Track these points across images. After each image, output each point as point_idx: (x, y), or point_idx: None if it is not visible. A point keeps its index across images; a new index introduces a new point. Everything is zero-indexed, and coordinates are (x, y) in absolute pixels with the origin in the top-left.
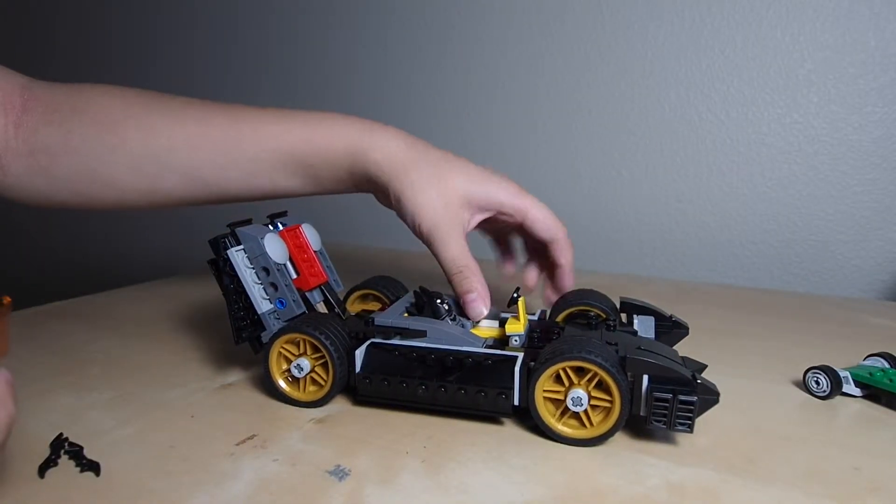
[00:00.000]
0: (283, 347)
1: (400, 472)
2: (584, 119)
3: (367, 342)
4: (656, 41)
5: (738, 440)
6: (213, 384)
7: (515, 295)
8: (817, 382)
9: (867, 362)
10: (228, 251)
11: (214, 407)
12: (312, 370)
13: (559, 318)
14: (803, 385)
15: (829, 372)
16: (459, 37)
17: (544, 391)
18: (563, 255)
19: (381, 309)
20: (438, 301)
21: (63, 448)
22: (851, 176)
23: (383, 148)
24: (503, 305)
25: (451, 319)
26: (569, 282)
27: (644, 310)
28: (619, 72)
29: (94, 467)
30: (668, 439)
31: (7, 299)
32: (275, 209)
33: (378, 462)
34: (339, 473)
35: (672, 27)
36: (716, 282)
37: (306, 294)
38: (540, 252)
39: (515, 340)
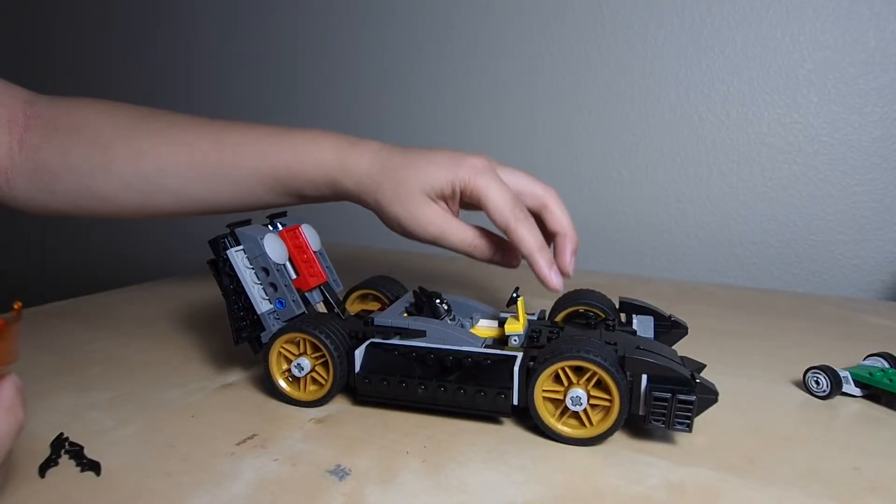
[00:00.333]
0: (283, 347)
1: (400, 471)
2: (584, 119)
3: (367, 342)
4: (656, 41)
5: (738, 440)
6: (213, 384)
7: (515, 294)
8: (817, 382)
9: (867, 362)
10: (228, 251)
11: (214, 407)
12: (313, 369)
13: (558, 317)
14: (803, 385)
15: (829, 372)
16: (459, 37)
17: (544, 391)
18: (552, 223)
19: (381, 309)
20: (438, 301)
21: (63, 448)
22: (851, 176)
23: (353, 172)
24: (502, 305)
25: (450, 319)
26: (562, 260)
27: (643, 309)
28: (619, 72)
29: (94, 467)
30: (667, 439)
31: (17, 304)
32: (274, 209)
33: (378, 462)
34: (340, 473)
35: (672, 27)
36: (716, 282)
37: (306, 294)
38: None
39: (515, 340)
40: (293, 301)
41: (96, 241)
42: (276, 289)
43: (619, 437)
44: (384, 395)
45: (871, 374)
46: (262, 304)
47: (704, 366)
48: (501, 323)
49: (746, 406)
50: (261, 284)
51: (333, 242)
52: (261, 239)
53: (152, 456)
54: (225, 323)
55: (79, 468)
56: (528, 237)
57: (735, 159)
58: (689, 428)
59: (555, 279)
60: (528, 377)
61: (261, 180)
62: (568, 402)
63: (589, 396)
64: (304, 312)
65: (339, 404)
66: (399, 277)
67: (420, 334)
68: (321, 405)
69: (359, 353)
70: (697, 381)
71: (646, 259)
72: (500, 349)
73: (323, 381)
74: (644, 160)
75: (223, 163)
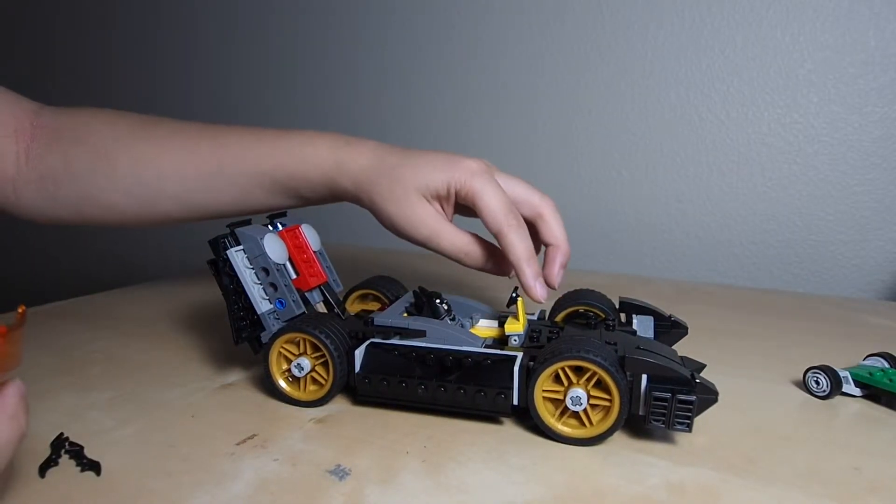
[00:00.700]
0: (283, 347)
1: (400, 471)
2: (584, 119)
3: (367, 342)
4: (656, 41)
5: (738, 440)
6: (213, 384)
7: (514, 294)
8: (817, 382)
9: (867, 362)
10: (228, 251)
11: (214, 407)
12: (313, 369)
13: (558, 317)
14: (803, 385)
15: (829, 372)
16: (459, 37)
17: (543, 391)
18: (545, 234)
19: (381, 309)
20: (438, 301)
21: (63, 448)
22: (851, 176)
23: (350, 171)
24: (502, 305)
25: (450, 319)
26: (550, 272)
27: (643, 309)
28: (619, 72)
29: (94, 467)
30: (667, 439)
31: (21, 308)
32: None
33: (378, 462)
34: (340, 473)
35: (672, 27)
36: (716, 282)
37: (306, 294)
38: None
39: (515, 340)
40: (293, 301)
41: (96, 242)
42: (276, 289)
43: (619, 437)
44: (384, 395)
45: (871, 374)
46: (262, 304)
47: (704, 366)
48: (501, 323)
49: (746, 406)
50: (261, 284)
51: (333, 242)
52: (261, 239)
53: (152, 456)
54: (225, 323)
55: (79, 468)
56: (518, 244)
57: (735, 159)
58: (689, 428)
59: (539, 290)
60: (528, 377)
61: (260, 183)
62: (568, 402)
63: (589, 396)
64: (303, 312)
65: (339, 404)
66: (399, 277)
67: (420, 334)
68: (321, 405)
69: (359, 353)
70: (697, 380)
71: (646, 259)
72: (500, 349)
73: (323, 381)
74: (644, 160)
75: (223, 167)
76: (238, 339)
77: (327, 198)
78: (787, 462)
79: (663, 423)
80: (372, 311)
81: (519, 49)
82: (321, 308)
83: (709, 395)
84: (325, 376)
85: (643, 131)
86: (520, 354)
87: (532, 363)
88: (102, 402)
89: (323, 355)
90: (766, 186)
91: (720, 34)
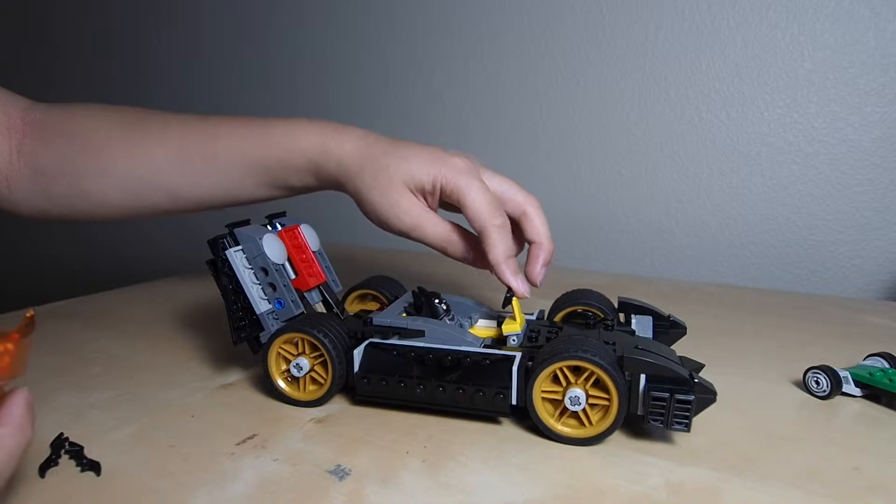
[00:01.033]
0: (282, 347)
1: (400, 471)
2: (584, 119)
3: (366, 342)
4: (656, 41)
5: (738, 440)
6: (213, 384)
7: (509, 294)
8: (817, 382)
9: (867, 362)
10: (227, 251)
11: (214, 407)
12: (312, 369)
13: (557, 317)
14: (803, 385)
15: (829, 372)
16: (459, 37)
17: (542, 391)
18: (529, 232)
19: (380, 309)
20: (437, 301)
21: (63, 448)
22: (851, 176)
23: (335, 156)
24: (500, 305)
25: (449, 319)
26: (532, 269)
27: (642, 309)
28: (619, 72)
29: (94, 467)
30: (667, 439)
31: (30, 313)
32: (273, 209)
33: (378, 462)
34: (340, 473)
35: (672, 27)
36: (716, 282)
37: (305, 294)
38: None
39: (513, 340)
40: (292, 301)
41: (96, 242)
42: (274, 289)
43: (619, 437)
44: (383, 394)
45: (871, 374)
46: (261, 304)
47: (703, 365)
48: (500, 323)
49: (746, 406)
50: (260, 284)
51: (333, 242)
52: (259, 239)
53: (152, 456)
54: (225, 323)
55: (79, 468)
56: (498, 244)
57: (735, 159)
58: (688, 428)
59: (521, 286)
60: (527, 377)
61: (252, 171)
62: (567, 402)
63: (588, 396)
64: (302, 312)
65: (339, 404)
66: (398, 277)
67: (419, 334)
68: (320, 405)
69: (357, 353)
70: (696, 380)
71: (646, 259)
72: (499, 349)
73: (322, 381)
74: (644, 160)
75: (215, 157)
76: (237, 339)
77: (313, 185)
78: (786, 462)
79: (662, 423)
80: (371, 311)
81: (519, 49)
82: (320, 308)
83: (707, 395)
84: (324, 376)
85: (643, 131)
86: (518, 354)
87: (531, 363)
88: (102, 402)
89: (322, 355)
90: (766, 186)
91: (720, 34)
